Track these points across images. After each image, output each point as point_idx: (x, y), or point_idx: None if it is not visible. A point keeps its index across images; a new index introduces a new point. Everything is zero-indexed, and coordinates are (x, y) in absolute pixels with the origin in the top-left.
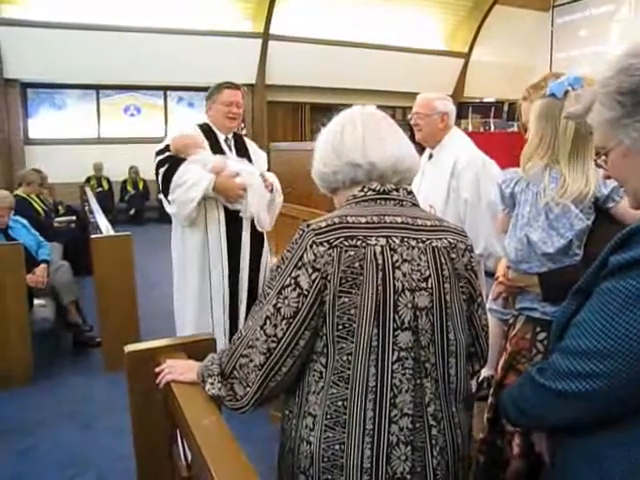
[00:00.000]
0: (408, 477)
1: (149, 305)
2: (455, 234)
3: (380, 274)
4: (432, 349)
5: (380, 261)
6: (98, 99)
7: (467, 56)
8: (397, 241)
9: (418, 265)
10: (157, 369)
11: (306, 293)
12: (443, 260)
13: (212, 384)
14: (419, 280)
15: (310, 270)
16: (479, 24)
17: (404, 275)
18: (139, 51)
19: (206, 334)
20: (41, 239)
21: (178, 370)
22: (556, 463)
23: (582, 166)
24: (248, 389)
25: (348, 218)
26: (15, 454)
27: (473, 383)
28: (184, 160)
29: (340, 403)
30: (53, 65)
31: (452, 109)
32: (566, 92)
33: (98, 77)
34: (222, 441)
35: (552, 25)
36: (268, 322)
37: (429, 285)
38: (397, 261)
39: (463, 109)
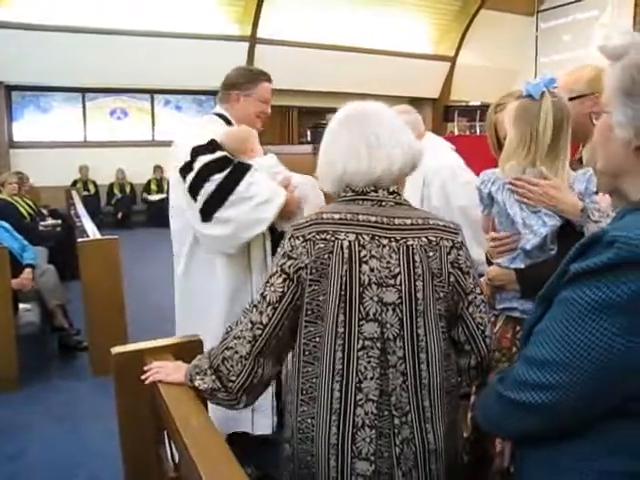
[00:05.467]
0: (372, 458)
1: (137, 309)
2: (441, 231)
3: (346, 266)
4: (400, 343)
5: (347, 255)
6: (84, 102)
7: (453, 60)
8: (367, 238)
9: (388, 262)
10: (145, 367)
11: (291, 277)
12: (418, 258)
13: (202, 379)
14: (387, 277)
15: (289, 259)
16: (465, 28)
17: (371, 270)
18: (126, 54)
19: (193, 336)
20: (25, 243)
21: (166, 371)
22: (517, 469)
23: (558, 167)
24: (236, 380)
25: (323, 215)
26: (5, 458)
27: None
28: (242, 164)
29: (314, 380)
30: (38, 68)
31: (412, 118)
32: (542, 93)
33: (84, 80)
34: (210, 441)
35: (537, 30)
36: (255, 310)
37: (398, 282)
38: (365, 256)
39: (450, 112)
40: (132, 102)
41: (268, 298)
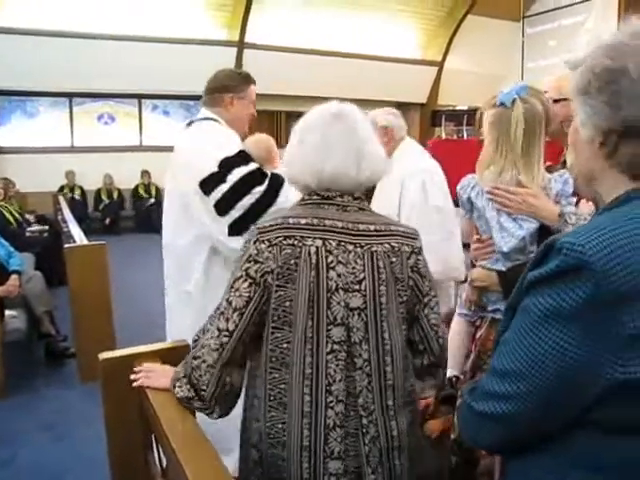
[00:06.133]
0: (343, 456)
1: (125, 315)
2: (402, 237)
3: (313, 272)
4: (365, 346)
5: (314, 260)
6: (71, 107)
7: (441, 65)
8: (334, 244)
9: (353, 268)
10: (135, 369)
11: (257, 282)
12: (382, 264)
13: (180, 387)
14: (352, 282)
15: (255, 263)
16: (452, 33)
17: (338, 276)
18: (113, 59)
19: (181, 341)
20: (11, 249)
21: (155, 376)
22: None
23: (534, 172)
24: (207, 390)
25: (289, 219)
26: None
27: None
28: (276, 175)
29: (282, 386)
30: (25, 72)
31: (397, 122)
32: (514, 100)
33: (71, 85)
34: (197, 445)
35: (523, 35)
36: (221, 317)
37: (363, 287)
38: (332, 262)
39: (437, 117)
40: (119, 107)
41: (234, 304)
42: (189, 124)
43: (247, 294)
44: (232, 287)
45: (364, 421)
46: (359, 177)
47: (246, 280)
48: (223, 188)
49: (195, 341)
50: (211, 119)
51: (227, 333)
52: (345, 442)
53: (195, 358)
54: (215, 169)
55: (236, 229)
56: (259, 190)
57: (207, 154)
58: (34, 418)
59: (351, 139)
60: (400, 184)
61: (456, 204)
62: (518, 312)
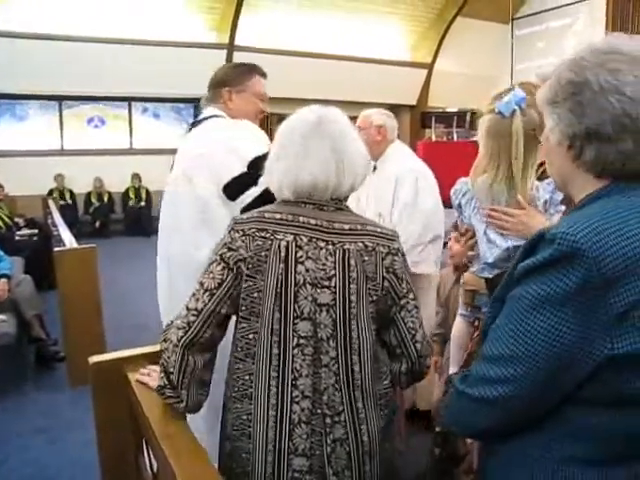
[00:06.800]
0: (309, 454)
1: (116, 318)
2: (378, 238)
3: (282, 265)
4: (333, 344)
5: (283, 254)
6: (61, 110)
7: (430, 67)
8: (305, 240)
9: (324, 265)
10: (140, 370)
11: (231, 267)
12: (353, 262)
13: (161, 377)
14: (322, 278)
15: (229, 250)
16: (442, 35)
17: (307, 271)
18: (102, 62)
19: None
20: (0, 253)
21: (155, 375)
22: (482, 468)
23: (527, 184)
24: (174, 372)
25: (265, 214)
26: None
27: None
28: None
29: (247, 377)
30: (14, 75)
31: (391, 123)
32: (513, 111)
33: (61, 88)
34: (189, 449)
35: (512, 37)
36: (192, 298)
37: (332, 284)
38: (301, 257)
39: (427, 119)
40: (109, 110)
41: (206, 285)
42: (193, 124)
43: (220, 276)
44: (206, 270)
45: (327, 420)
46: (340, 189)
47: (220, 263)
48: (255, 193)
49: (168, 325)
50: (215, 116)
51: (195, 312)
52: (310, 440)
53: (165, 340)
54: (243, 169)
55: None
56: None
57: (228, 153)
58: (25, 422)
59: (332, 150)
60: (394, 182)
61: (446, 205)
62: (508, 301)
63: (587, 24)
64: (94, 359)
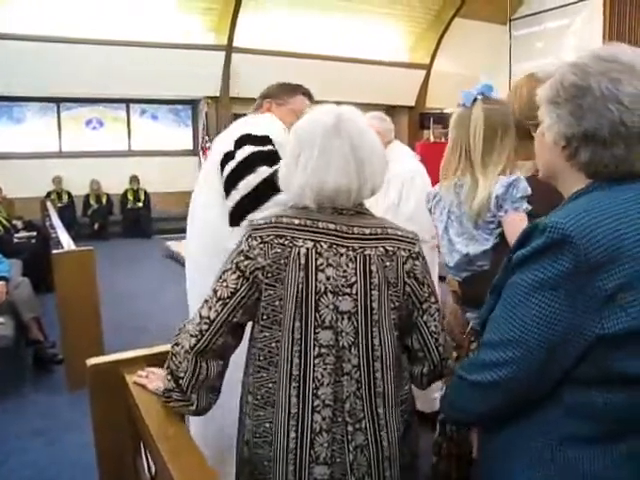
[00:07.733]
0: (330, 462)
1: (114, 321)
2: (398, 241)
3: (302, 273)
4: (355, 351)
5: (303, 261)
6: (59, 112)
7: (429, 67)
8: (325, 246)
9: (344, 271)
10: (139, 372)
11: (246, 276)
12: (374, 268)
13: (169, 380)
14: (343, 285)
15: (246, 258)
16: (440, 36)
17: (327, 278)
18: (101, 64)
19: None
20: None
21: (153, 377)
22: (484, 457)
23: (489, 175)
24: (184, 377)
25: (283, 219)
26: None
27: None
28: None
29: (270, 385)
30: (12, 77)
31: (383, 127)
32: (474, 100)
33: (59, 90)
34: (187, 452)
35: (510, 38)
36: (205, 305)
37: (354, 291)
38: (322, 264)
39: (425, 120)
40: (108, 112)
41: (219, 293)
42: None
43: (234, 286)
44: (220, 278)
45: (349, 428)
46: (361, 193)
47: (235, 272)
48: (231, 165)
49: (180, 329)
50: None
51: (207, 321)
52: (332, 448)
53: (176, 345)
54: (231, 147)
55: (237, 215)
56: (266, 170)
57: (229, 137)
58: (23, 424)
59: (353, 154)
60: (401, 184)
61: None
62: (505, 289)
63: (585, 25)
64: (92, 361)
